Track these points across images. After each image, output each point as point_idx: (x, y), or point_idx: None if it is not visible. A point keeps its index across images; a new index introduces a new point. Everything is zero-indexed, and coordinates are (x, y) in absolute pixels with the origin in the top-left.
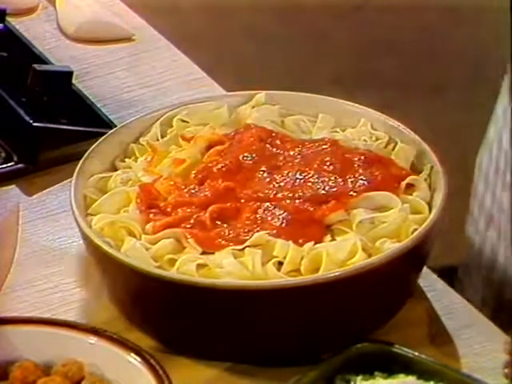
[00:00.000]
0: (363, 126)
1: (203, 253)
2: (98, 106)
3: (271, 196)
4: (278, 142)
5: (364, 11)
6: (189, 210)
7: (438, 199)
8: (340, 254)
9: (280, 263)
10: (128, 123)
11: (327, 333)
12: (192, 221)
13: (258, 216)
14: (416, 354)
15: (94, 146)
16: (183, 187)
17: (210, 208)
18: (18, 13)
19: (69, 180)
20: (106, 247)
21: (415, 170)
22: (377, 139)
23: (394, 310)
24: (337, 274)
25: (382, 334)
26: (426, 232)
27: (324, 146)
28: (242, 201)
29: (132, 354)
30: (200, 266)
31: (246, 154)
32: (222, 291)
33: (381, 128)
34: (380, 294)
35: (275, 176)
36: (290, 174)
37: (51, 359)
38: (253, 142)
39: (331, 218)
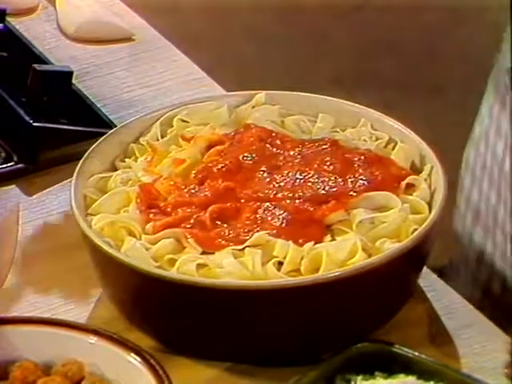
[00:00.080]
0: (363, 126)
1: (203, 253)
2: (98, 105)
3: (271, 196)
4: (278, 142)
5: (364, 11)
6: (189, 210)
7: (438, 199)
8: (340, 254)
9: (280, 263)
10: (128, 123)
11: (327, 333)
12: (192, 221)
13: (258, 216)
14: (416, 353)
15: (94, 146)
16: (183, 187)
17: (210, 208)
18: (18, 13)
19: (69, 180)
20: (106, 247)
21: (415, 170)
22: (377, 139)
23: (394, 310)
24: (337, 274)
25: (382, 334)
26: (426, 232)
27: (324, 146)
28: (242, 201)
29: (132, 354)
30: (200, 266)
31: (245, 154)
32: (222, 291)
33: (381, 128)
34: (380, 294)
35: (275, 176)
36: (289, 174)
37: (51, 359)
38: (253, 142)
39: (331, 218)
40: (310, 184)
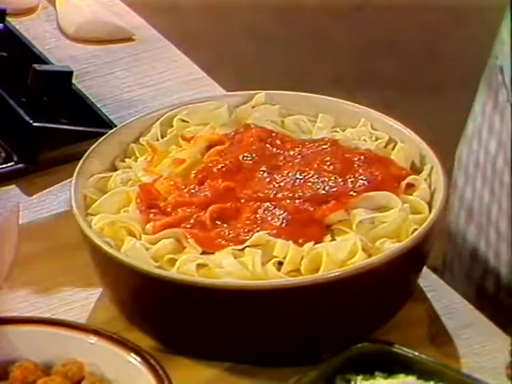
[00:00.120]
0: (363, 126)
1: (203, 253)
2: (98, 105)
3: (271, 196)
4: (278, 142)
5: (364, 11)
6: (189, 210)
7: (438, 199)
8: (340, 254)
9: (280, 263)
10: (128, 123)
11: (327, 333)
12: (192, 221)
13: (258, 216)
14: (416, 353)
15: (94, 146)
16: (183, 187)
17: (210, 208)
18: (18, 13)
19: (69, 180)
20: (106, 247)
21: (415, 169)
22: (377, 139)
23: (394, 310)
24: (337, 274)
25: (382, 334)
26: (425, 232)
27: (324, 146)
28: (242, 201)
29: (132, 354)
30: (200, 266)
31: (245, 154)
32: (222, 291)
33: (381, 128)
34: (380, 294)
35: (275, 176)
36: (290, 174)
37: (51, 359)
38: (253, 142)
39: (331, 218)
40: (309, 184)
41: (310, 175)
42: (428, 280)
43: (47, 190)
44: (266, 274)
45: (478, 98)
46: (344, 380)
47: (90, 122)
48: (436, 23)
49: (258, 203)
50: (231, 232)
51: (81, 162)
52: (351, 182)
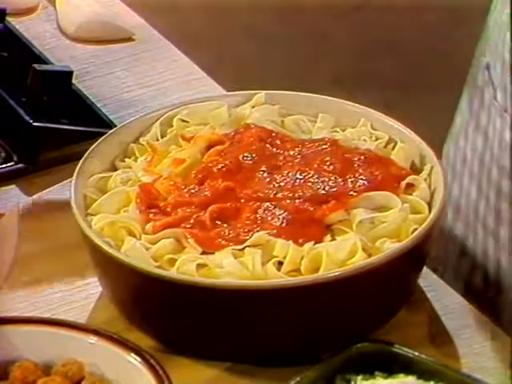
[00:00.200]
0: (363, 126)
1: (203, 253)
2: (98, 105)
3: (271, 196)
4: (278, 141)
5: (364, 11)
6: (189, 210)
7: (438, 199)
8: (340, 254)
9: (280, 263)
10: (128, 123)
11: (327, 333)
12: (192, 221)
13: (258, 216)
14: (416, 353)
15: (93, 145)
16: (183, 187)
17: (210, 208)
18: (18, 13)
19: (69, 180)
20: (106, 247)
21: (415, 170)
22: (377, 139)
23: (394, 310)
24: (337, 273)
25: (382, 334)
26: (425, 232)
27: (324, 146)
28: (242, 201)
29: (132, 354)
30: (200, 266)
31: (245, 154)
32: (222, 291)
33: (381, 128)
34: (380, 294)
35: (275, 176)
36: (289, 174)
37: (51, 359)
38: (253, 141)
39: (331, 218)
40: (309, 184)
41: (310, 175)
42: (428, 280)
43: (47, 189)
44: (265, 274)
45: (465, 94)
46: (344, 380)
47: (90, 121)
48: (436, 23)
49: (258, 203)
50: (231, 232)
51: (81, 162)
52: (351, 181)
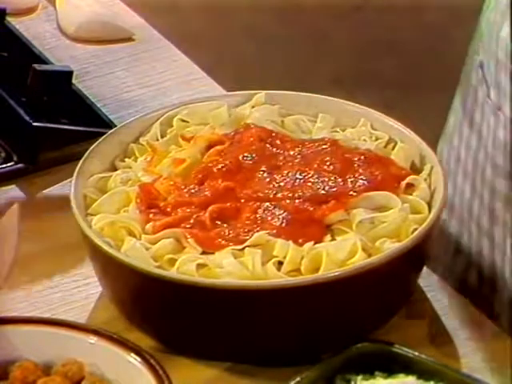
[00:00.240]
0: (363, 126)
1: (203, 253)
2: (98, 105)
3: (271, 196)
4: (278, 141)
5: (364, 11)
6: (189, 210)
7: (438, 199)
8: (340, 254)
9: (280, 263)
10: (128, 123)
11: (327, 333)
12: (192, 221)
13: (257, 216)
14: (416, 353)
15: (93, 145)
16: (183, 187)
17: (210, 208)
18: (18, 13)
19: (69, 180)
20: (106, 247)
21: (415, 169)
22: (377, 139)
23: (394, 310)
24: (337, 273)
25: (382, 334)
26: (425, 232)
27: (324, 146)
28: (242, 201)
29: (132, 354)
30: (200, 266)
31: (245, 154)
32: (221, 291)
33: (381, 128)
34: (380, 294)
35: (275, 176)
36: (289, 174)
37: (51, 359)
38: (253, 141)
39: (331, 218)
40: (309, 184)
41: (309, 175)
42: (428, 280)
43: (47, 189)
44: (266, 274)
45: (458, 93)
46: (344, 380)
47: (90, 121)
48: (436, 23)
49: (258, 203)
50: (231, 232)
51: (81, 161)
52: (351, 181)
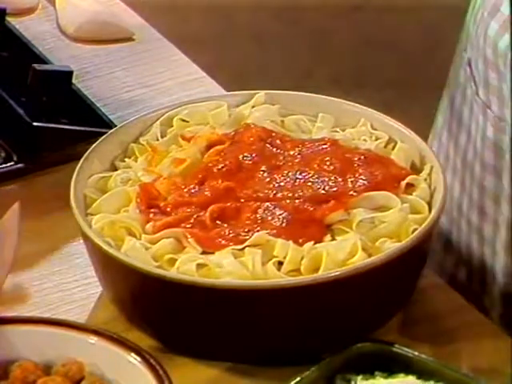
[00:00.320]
0: (363, 126)
1: (203, 252)
2: (98, 105)
3: (271, 196)
4: (278, 141)
5: (364, 11)
6: (189, 210)
7: (438, 199)
8: (340, 254)
9: (280, 263)
10: (128, 123)
11: (327, 333)
12: (192, 220)
13: (258, 216)
14: (416, 353)
15: (93, 145)
16: (183, 187)
17: (210, 208)
18: (18, 12)
19: (69, 180)
20: (106, 247)
21: (415, 169)
22: (377, 139)
23: (394, 310)
24: (337, 273)
25: (381, 334)
26: (425, 232)
27: (324, 146)
28: (242, 201)
29: (132, 354)
30: (200, 266)
31: (245, 154)
32: (221, 291)
33: (381, 128)
34: (380, 294)
35: (275, 176)
36: (289, 174)
37: (51, 359)
38: (253, 141)
39: (331, 218)
40: (309, 184)
41: (309, 175)
42: (428, 280)
43: (47, 189)
44: (265, 274)
45: (447, 91)
46: (344, 380)
47: (90, 122)
48: (436, 23)
49: (258, 203)
50: (231, 232)
51: (81, 161)
52: (351, 181)
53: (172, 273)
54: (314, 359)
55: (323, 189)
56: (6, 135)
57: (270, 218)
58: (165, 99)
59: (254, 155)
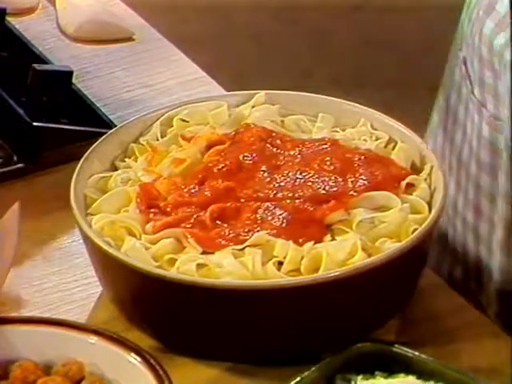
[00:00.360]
0: (363, 126)
1: (203, 252)
2: (98, 105)
3: (271, 196)
4: (278, 141)
5: (364, 11)
6: (189, 210)
7: (438, 199)
8: (340, 254)
9: (280, 263)
10: (128, 123)
11: (327, 333)
12: (192, 220)
13: (258, 216)
14: (416, 353)
15: (93, 145)
16: (183, 187)
17: (210, 208)
18: (18, 12)
19: (69, 180)
20: (106, 247)
21: (415, 169)
22: (377, 139)
23: (394, 310)
24: (337, 273)
25: (381, 334)
26: (426, 232)
27: (324, 146)
28: (242, 201)
29: (132, 354)
30: (200, 266)
31: (245, 154)
32: (221, 291)
33: (381, 128)
34: (380, 294)
35: (275, 176)
36: (290, 174)
37: (51, 359)
38: (253, 141)
39: (331, 218)
40: (309, 184)
41: (309, 175)
42: (428, 280)
43: (47, 189)
44: (265, 274)
45: (442, 90)
46: (344, 380)
47: (90, 121)
48: (436, 23)
49: (258, 203)
50: (231, 232)
51: (81, 161)
52: (351, 181)
53: (172, 273)
54: (314, 359)
55: (323, 189)
56: (6, 135)
57: (270, 218)
58: (165, 99)
59: (254, 155)
